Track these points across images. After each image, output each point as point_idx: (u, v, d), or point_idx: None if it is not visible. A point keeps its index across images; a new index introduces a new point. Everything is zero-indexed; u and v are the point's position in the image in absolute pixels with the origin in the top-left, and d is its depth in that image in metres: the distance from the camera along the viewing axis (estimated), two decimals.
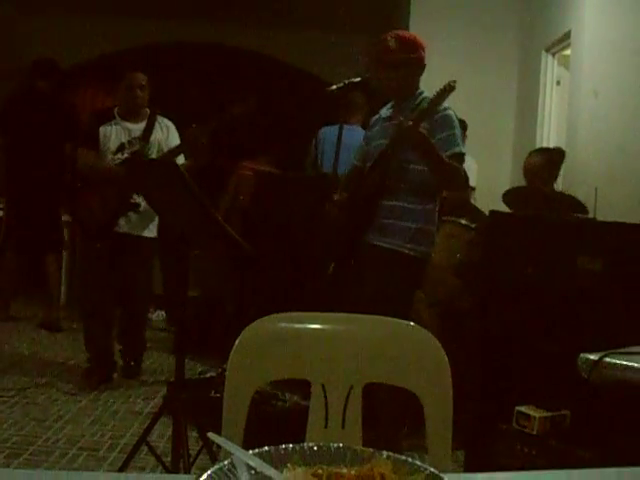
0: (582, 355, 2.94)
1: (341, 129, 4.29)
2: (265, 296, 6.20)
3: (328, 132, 5.88)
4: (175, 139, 5.58)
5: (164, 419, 3.60)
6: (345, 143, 4.29)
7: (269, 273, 6.10)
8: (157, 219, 5.54)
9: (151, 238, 5.63)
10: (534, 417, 3.50)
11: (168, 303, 7.87)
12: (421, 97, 4.06)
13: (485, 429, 3.86)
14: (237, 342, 1.84)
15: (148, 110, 5.64)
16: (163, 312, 8.10)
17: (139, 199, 5.35)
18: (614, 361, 2.88)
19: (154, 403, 5.11)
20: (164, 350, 6.72)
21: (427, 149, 3.80)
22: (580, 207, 4.74)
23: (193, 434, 3.51)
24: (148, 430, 3.40)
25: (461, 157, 3.96)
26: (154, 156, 5.45)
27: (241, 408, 1.83)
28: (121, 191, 5.31)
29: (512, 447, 3.55)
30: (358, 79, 4.22)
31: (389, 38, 4.02)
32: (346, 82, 4.20)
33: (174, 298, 7.01)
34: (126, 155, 5.45)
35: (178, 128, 5.63)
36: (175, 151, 5.29)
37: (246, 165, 7.03)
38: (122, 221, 5.43)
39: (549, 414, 3.52)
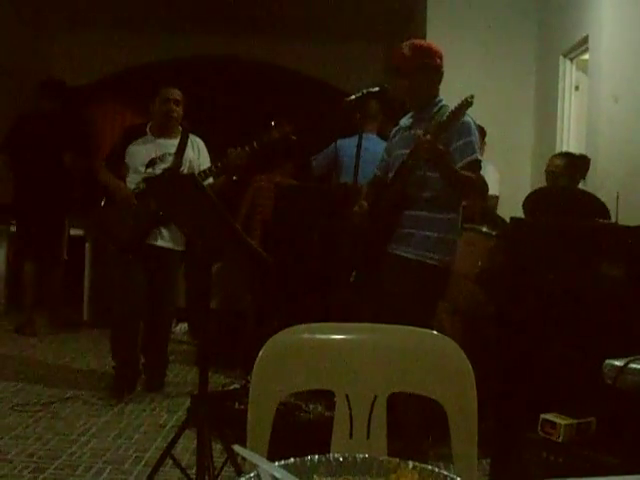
0: (607, 361, 2.93)
1: (360, 138, 4.29)
2: (287, 307, 6.20)
3: (346, 144, 5.89)
4: (206, 158, 5.64)
5: (188, 432, 3.61)
6: (363, 152, 4.29)
7: (290, 283, 6.11)
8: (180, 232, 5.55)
9: (179, 251, 5.67)
10: (559, 424, 3.47)
11: (191, 316, 7.88)
12: (439, 105, 4.06)
13: (510, 437, 3.84)
14: (260, 354, 1.85)
15: (180, 127, 5.68)
16: (186, 325, 8.11)
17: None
18: (639, 367, 2.86)
19: (178, 416, 5.12)
20: (187, 363, 6.73)
21: (444, 163, 3.80)
22: (601, 207, 4.72)
23: (217, 446, 3.52)
24: (173, 443, 3.40)
25: (478, 164, 3.95)
26: (185, 172, 5.48)
27: (265, 420, 1.83)
28: (152, 205, 5.33)
29: (538, 455, 3.52)
30: (376, 88, 4.22)
31: (404, 46, 4.04)
32: (364, 92, 4.21)
33: (197, 311, 7.05)
34: (158, 170, 5.49)
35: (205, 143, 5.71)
36: (212, 173, 5.31)
37: (263, 178, 7.05)
38: (153, 234, 5.49)
39: (574, 421, 3.49)
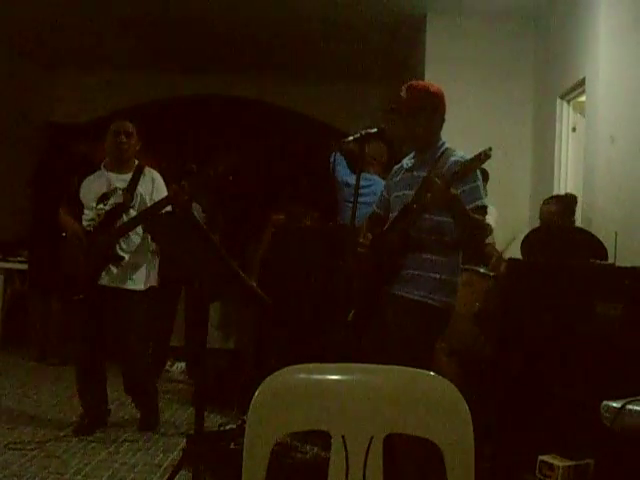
0: (605, 402, 2.92)
1: (358, 179, 4.28)
2: (284, 346, 6.19)
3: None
4: (162, 191, 5.47)
5: (184, 472, 3.59)
6: (363, 193, 4.29)
7: (288, 323, 6.10)
8: (144, 271, 5.50)
9: (133, 290, 5.47)
10: (557, 466, 3.46)
11: (189, 355, 7.86)
12: (443, 148, 4.06)
13: (508, 479, 3.82)
14: (256, 394, 1.84)
15: (136, 161, 5.58)
16: (183, 364, 8.08)
17: (121, 253, 5.35)
18: (637, 408, 2.85)
19: (174, 456, 5.07)
20: (183, 402, 6.70)
21: (459, 208, 3.79)
22: (599, 245, 4.74)
23: None
24: None
25: (484, 210, 3.94)
26: (136, 208, 5.40)
27: (261, 460, 1.82)
28: (104, 245, 5.31)
29: None
30: (374, 130, 4.22)
31: (402, 89, 4.06)
32: (362, 133, 4.21)
33: (194, 350, 7.03)
34: (108, 206, 5.41)
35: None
36: (157, 206, 5.20)
37: (277, 217, 7.10)
38: (103, 273, 5.39)
39: (572, 463, 3.48)
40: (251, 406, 1.83)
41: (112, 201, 5.42)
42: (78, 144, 8.13)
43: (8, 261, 8.76)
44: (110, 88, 10.81)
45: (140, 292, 5.51)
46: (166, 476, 3.55)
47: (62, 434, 5.45)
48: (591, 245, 4.77)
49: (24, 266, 8.61)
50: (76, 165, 7.50)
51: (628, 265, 4.17)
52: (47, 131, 10.52)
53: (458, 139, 4.23)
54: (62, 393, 6.73)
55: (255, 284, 3.56)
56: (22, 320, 9.22)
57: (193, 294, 4.76)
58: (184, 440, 5.24)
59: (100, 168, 5.56)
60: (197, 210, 7.48)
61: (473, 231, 3.93)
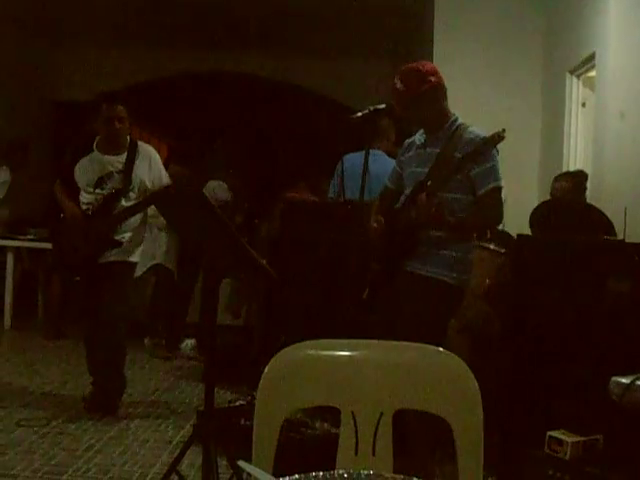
0: (614, 378, 2.92)
1: (367, 155, 4.25)
2: (296, 323, 6.19)
3: (352, 159, 5.86)
4: (158, 170, 5.48)
5: (194, 448, 3.60)
6: (370, 170, 4.27)
7: (299, 300, 6.09)
8: (140, 247, 5.50)
9: (130, 262, 5.46)
10: (566, 442, 3.46)
11: (200, 332, 7.88)
12: (456, 124, 4.02)
13: (517, 455, 3.83)
14: (266, 370, 1.85)
15: (129, 139, 5.50)
16: (193, 341, 8.12)
17: (121, 235, 5.34)
18: None
19: (184, 432, 5.11)
20: (193, 379, 6.73)
21: (445, 225, 3.81)
22: (606, 221, 4.73)
23: (223, 462, 3.51)
24: (178, 459, 3.40)
25: (499, 192, 3.91)
26: (135, 191, 5.36)
27: (271, 436, 1.83)
28: (103, 230, 5.29)
29: (544, 473, 3.51)
30: (382, 106, 4.19)
31: (396, 80, 3.96)
32: (370, 109, 4.18)
33: (204, 326, 7.05)
34: (106, 192, 5.36)
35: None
36: (157, 193, 5.21)
37: (288, 194, 7.10)
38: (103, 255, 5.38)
39: (581, 439, 3.49)
40: (261, 382, 1.84)
41: (110, 185, 5.37)
42: (86, 122, 8.13)
43: (17, 239, 8.75)
44: (115, 65, 10.79)
45: (132, 264, 5.49)
46: (177, 452, 3.56)
47: (73, 411, 5.49)
48: (598, 220, 4.76)
49: (33, 244, 8.61)
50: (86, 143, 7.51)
51: (638, 241, 4.16)
52: (54, 109, 10.51)
53: (467, 115, 4.19)
54: (73, 370, 6.76)
55: (265, 261, 3.55)
56: (32, 298, 9.27)
57: (206, 271, 4.75)
58: (194, 416, 5.26)
59: (93, 149, 5.49)
60: (224, 189, 7.46)
61: (472, 233, 3.94)
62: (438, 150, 3.95)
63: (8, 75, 9.62)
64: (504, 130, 3.62)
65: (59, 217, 5.48)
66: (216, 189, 7.33)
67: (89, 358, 5.61)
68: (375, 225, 4.07)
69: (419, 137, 4.16)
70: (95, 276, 5.39)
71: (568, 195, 5.43)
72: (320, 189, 7.27)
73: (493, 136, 3.68)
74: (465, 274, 4.03)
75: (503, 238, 5.22)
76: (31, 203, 9.34)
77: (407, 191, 4.10)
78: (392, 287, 4.09)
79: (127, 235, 5.37)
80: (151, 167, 5.46)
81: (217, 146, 6.58)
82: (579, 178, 5.61)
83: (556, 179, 5.69)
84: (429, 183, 3.87)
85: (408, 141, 4.28)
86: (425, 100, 3.96)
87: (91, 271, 5.38)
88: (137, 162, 5.42)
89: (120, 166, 5.40)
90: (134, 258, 5.49)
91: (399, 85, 3.96)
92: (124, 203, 5.35)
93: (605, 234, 4.54)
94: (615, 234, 4.61)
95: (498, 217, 4.02)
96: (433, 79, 3.97)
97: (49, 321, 8.52)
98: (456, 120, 4.04)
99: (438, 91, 4.01)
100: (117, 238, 5.34)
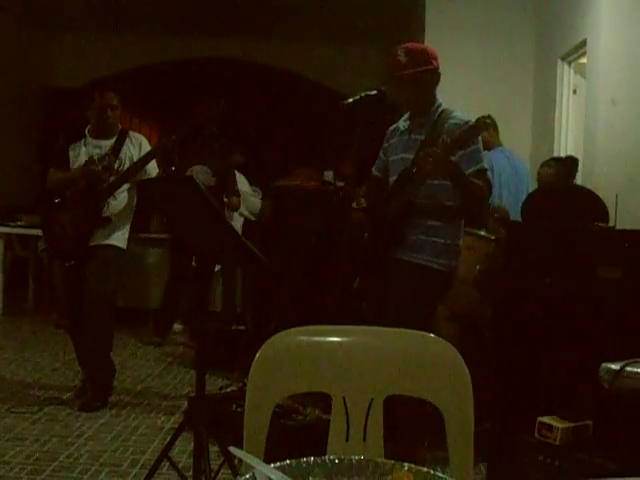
0: (604, 365, 2.93)
1: (357, 141, 4.24)
2: (287, 311, 6.20)
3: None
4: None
5: (185, 434, 3.60)
6: None
7: (290, 287, 6.10)
8: (126, 232, 5.46)
9: (116, 247, 5.40)
10: (556, 428, 3.47)
11: (192, 318, 7.87)
12: (440, 110, 4.03)
13: (507, 440, 3.84)
14: (257, 356, 1.84)
15: (120, 126, 5.54)
16: (180, 326, 8.12)
17: (108, 212, 5.29)
18: (636, 370, 2.86)
19: (175, 418, 5.12)
20: (184, 365, 6.74)
21: (458, 174, 3.78)
22: (600, 205, 4.73)
23: (214, 449, 3.51)
24: (169, 445, 3.40)
25: (485, 172, 3.93)
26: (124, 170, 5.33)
27: (262, 422, 1.83)
28: (91, 207, 5.26)
29: (535, 458, 3.52)
30: (374, 92, 4.18)
31: (399, 52, 3.95)
32: (362, 95, 4.17)
33: (196, 313, 7.04)
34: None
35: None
36: (144, 159, 5.19)
37: (282, 183, 7.09)
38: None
39: (571, 424, 3.49)
40: (252, 369, 1.84)
41: (100, 165, 5.33)
42: (77, 109, 8.10)
43: (7, 226, 8.73)
44: (107, 51, 10.76)
45: (118, 248, 5.43)
46: (168, 438, 3.56)
47: (64, 397, 5.49)
48: (593, 205, 4.76)
49: (24, 230, 8.59)
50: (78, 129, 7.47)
51: (628, 228, 4.17)
52: (47, 96, 10.46)
53: (458, 101, 4.20)
54: (63, 357, 6.77)
55: (255, 248, 3.54)
56: (23, 285, 9.25)
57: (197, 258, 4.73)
58: (185, 403, 5.27)
59: (85, 135, 5.50)
60: (207, 173, 7.43)
61: (473, 196, 3.92)
62: (423, 137, 3.96)
63: None
64: (489, 116, 3.64)
65: (52, 204, 5.43)
66: (199, 173, 7.29)
67: (76, 347, 5.57)
68: (355, 205, 4.08)
69: (403, 123, 4.16)
70: (84, 260, 5.36)
71: (554, 180, 5.44)
72: (315, 176, 7.25)
73: (478, 122, 3.70)
74: (453, 260, 4.04)
75: (494, 224, 5.23)
76: (21, 189, 9.31)
77: (392, 178, 4.11)
78: (382, 276, 4.10)
79: (114, 216, 5.33)
80: (141, 151, 5.44)
81: (208, 132, 6.52)
82: (566, 163, 5.62)
83: (543, 165, 5.71)
84: (414, 170, 3.87)
85: (391, 128, 4.28)
86: (423, 80, 3.97)
87: (83, 255, 5.35)
88: (127, 144, 5.45)
89: (109, 148, 5.42)
90: (119, 243, 5.42)
91: (402, 58, 3.94)
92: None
93: (598, 216, 4.54)
94: (608, 216, 4.62)
95: (485, 200, 4.05)
96: (435, 63, 4.00)
97: (58, 310, 8.36)
98: (440, 106, 4.06)
99: (435, 76, 4.03)
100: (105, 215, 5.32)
